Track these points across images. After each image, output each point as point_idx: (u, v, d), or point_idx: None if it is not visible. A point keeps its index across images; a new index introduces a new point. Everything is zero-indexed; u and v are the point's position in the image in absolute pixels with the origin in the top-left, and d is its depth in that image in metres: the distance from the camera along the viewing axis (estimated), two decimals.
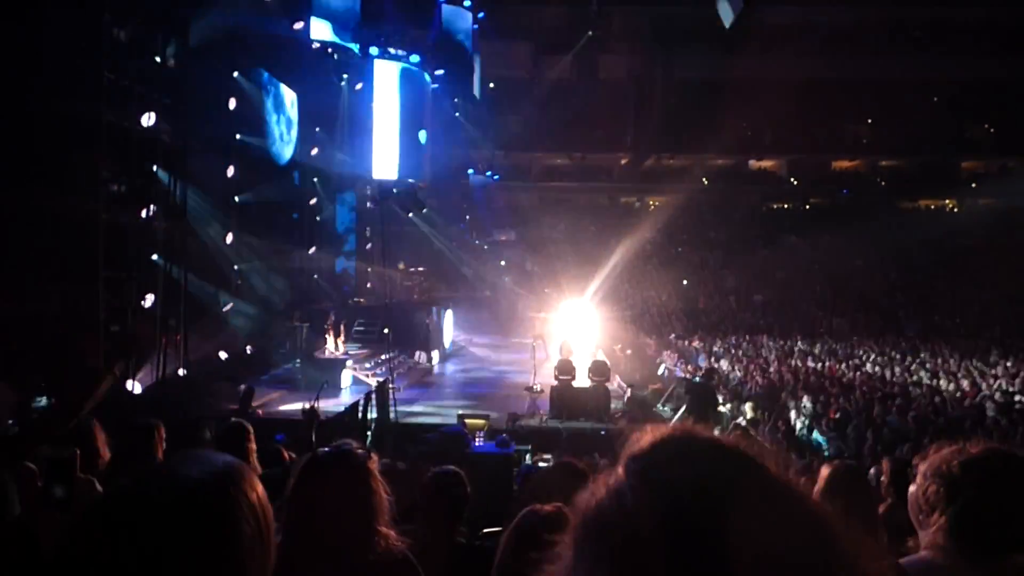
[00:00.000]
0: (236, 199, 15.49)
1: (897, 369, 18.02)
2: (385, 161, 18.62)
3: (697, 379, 12.03)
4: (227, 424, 3.90)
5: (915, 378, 16.76)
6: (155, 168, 12.37)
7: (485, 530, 3.37)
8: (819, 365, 18.50)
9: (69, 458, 2.44)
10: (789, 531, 0.66)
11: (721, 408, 13.04)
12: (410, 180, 19.36)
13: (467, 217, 30.37)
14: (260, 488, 0.95)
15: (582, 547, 0.72)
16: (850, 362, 18.90)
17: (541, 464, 8.01)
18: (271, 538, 0.94)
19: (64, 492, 2.37)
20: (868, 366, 18.49)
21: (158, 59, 12.64)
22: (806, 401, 13.60)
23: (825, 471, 3.07)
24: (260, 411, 11.43)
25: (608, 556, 0.68)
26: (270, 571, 0.94)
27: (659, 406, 14.26)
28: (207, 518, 0.85)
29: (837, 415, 12.74)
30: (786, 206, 37.57)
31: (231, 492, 0.89)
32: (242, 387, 12.64)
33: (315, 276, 20.50)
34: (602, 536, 0.70)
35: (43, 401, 9.87)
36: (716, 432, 0.81)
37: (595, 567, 0.69)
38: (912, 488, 1.67)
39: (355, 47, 17.09)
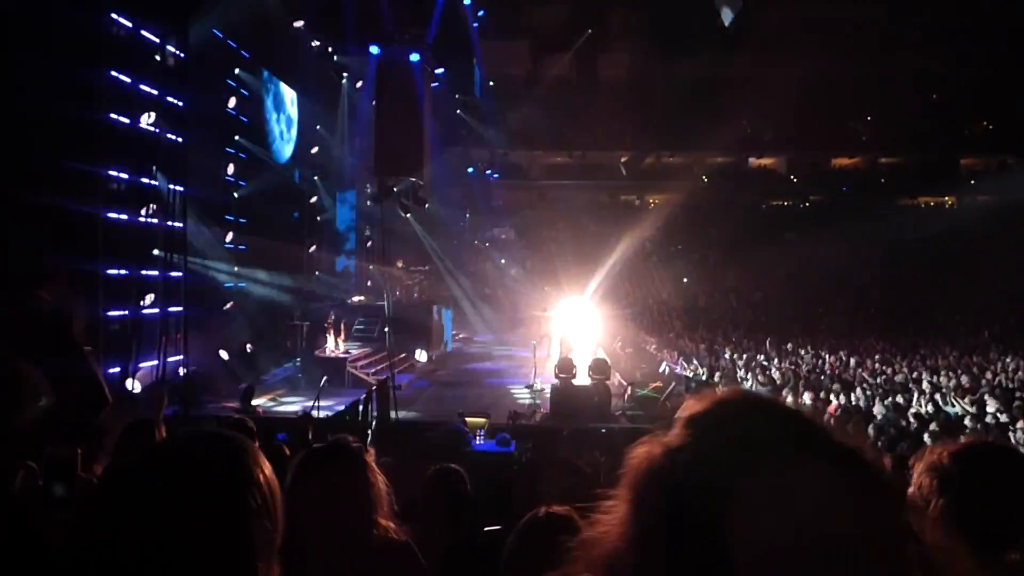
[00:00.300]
0: (236, 197, 15.50)
1: (897, 366, 18.02)
2: (385, 159, 18.61)
3: (697, 377, 12.04)
4: (230, 421, 3.88)
5: (915, 375, 16.76)
6: (155, 167, 12.37)
7: (486, 528, 3.38)
8: (819, 362, 18.51)
9: (70, 456, 2.44)
10: (830, 508, 0.65)
11: None
12: (411, 178, 19.36)
13: (467, 215, 30.38)
14: (267, 466, 0.95)
15: (629, 499, 0.73)
16: (850, 359, 18.91)
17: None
18: (278, 514, 0.95)
19: (64, 491, 2.36)
20: (868, 363, 18.49)
21: (158, 58, 12.63)
22: (806, 399, 13.61)
23: None
24: (260, 410, 11.43)
25: (643, 508, 0.70)
26: (277, 547, 0.95)
27: (662, 400, 14.28)
28: (212, 494, 0.86)
29: (837, 412, 12.75)
30: (786, 204, 37.58)
31: (236, 468, 0.90)
32: (242, 386, 12.66)
33: (315, 274, 20.51)
34: (645, 490, 0.72)
35: (42, 401, 9.86)
36: None
37: (635, 519, 0.71)
38: (910, 491, 1.66)
39: (356, 45, 17.10)
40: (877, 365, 18.12)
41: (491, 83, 28.57)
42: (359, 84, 19.82)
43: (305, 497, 1.89)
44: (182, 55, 13.09)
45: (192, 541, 0.82)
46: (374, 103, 18.89)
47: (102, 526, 0.83)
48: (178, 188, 13.02)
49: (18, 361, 2.43)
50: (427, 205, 21.75)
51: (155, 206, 12.40)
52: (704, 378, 12.00)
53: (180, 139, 12.97)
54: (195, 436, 0.95)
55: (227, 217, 15.09)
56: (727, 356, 19.48)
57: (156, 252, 12.45)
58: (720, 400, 0.76)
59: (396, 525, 1.99)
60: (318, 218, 20.90)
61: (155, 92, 12.32)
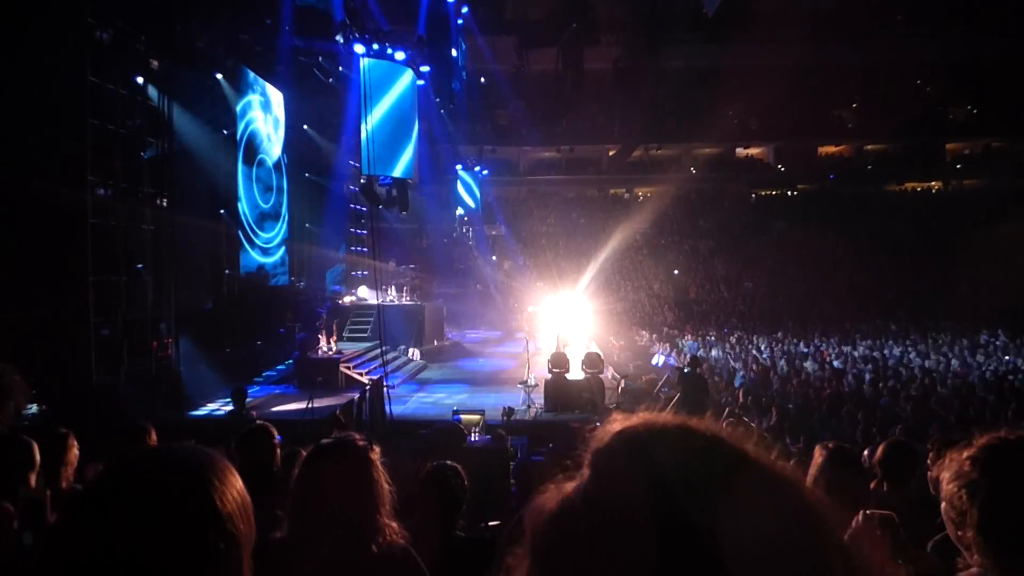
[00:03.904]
0: (224, 200, 15.42)
1: (888, 351, 18.15)
2: (374, 158, 18.58)
3: (686, 369, 12.08)
4: (251, 427, 3.81)
5: (906, 360, 16.88)
6: (142, 171, 12.31)
7: (483, 524, 3.39)
8: (811, 349, 18.61)
9: (40, 501, 2.41)
10: (776, 515, 0.64)
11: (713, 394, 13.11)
12: (399, 177, 19.32)
13: (457, 212, 30.36)
14: (238, 483, 0.93)
15: (549, 550, 0.68)
16: (841, 347, 19.02)
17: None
18: (249, 529, 0.92)
19: (32, 540, 2.32)
20: (859, 349, 18.61)
21: (143, 61, 12.54)
22: (796, 386, 13.68)
23: (819, 454, 3.09)
24: (254, 412, 11.40)
25: (585, 545, 0.66)
26: (246, 562, 0.92)
27: (656, 392, 14.32)
28: (180, 513, 0.84)
29: (830, 399, 12.83)
30: (774, 193, 37.72)
31: (206, 487, 0.87)
32: (235, 388, 12.62)
33: (305, 275, 20.45)
34: (578, 525, 0.67)
35: (33, 408, 9.81)
36: (705, 418, 0.78)
37: (570, 567, 0.66)
38: (943, 507, 1.57)
39: (341, 45, 17.01)
40: (868, 351, 18.24)
41: (482, 79, 28.52)
42: (345, 84, 19.73)
43: (312, 491, 1.91)
44: (167, 58, 13.01)
45: (160, 561, 0.81)
46: (361, 102, 18.83)
47: (67, 547, 0.82)
48: (165, 191, 12.97)
49: (6, 364, 2.42)
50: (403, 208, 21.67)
51: (143, 210, 12.34)
52: (691, 369, 12.03)
53: (166, 143, 12.91)
54: (158, 454, 0.92)
55: (215, 219, 15.02)
56: (719, 346, 19.59)
57: (145, 259, 12.39)
58: (619, 433, 0.72)
59: (397, 525, 2.00)
60: (308, 219, 20.83)
61: (140, 95, 12.25)
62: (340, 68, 18.95)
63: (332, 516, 1.88)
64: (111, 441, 3.95)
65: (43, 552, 0.87)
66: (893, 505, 2.59)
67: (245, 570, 0.91)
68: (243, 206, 16.09)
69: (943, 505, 1.55)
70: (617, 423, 0.75)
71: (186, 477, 0.88)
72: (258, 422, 3.90)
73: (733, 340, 20.50)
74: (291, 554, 1.89)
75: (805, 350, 18.68)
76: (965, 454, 1.52)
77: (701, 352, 18.04)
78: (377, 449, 2.04)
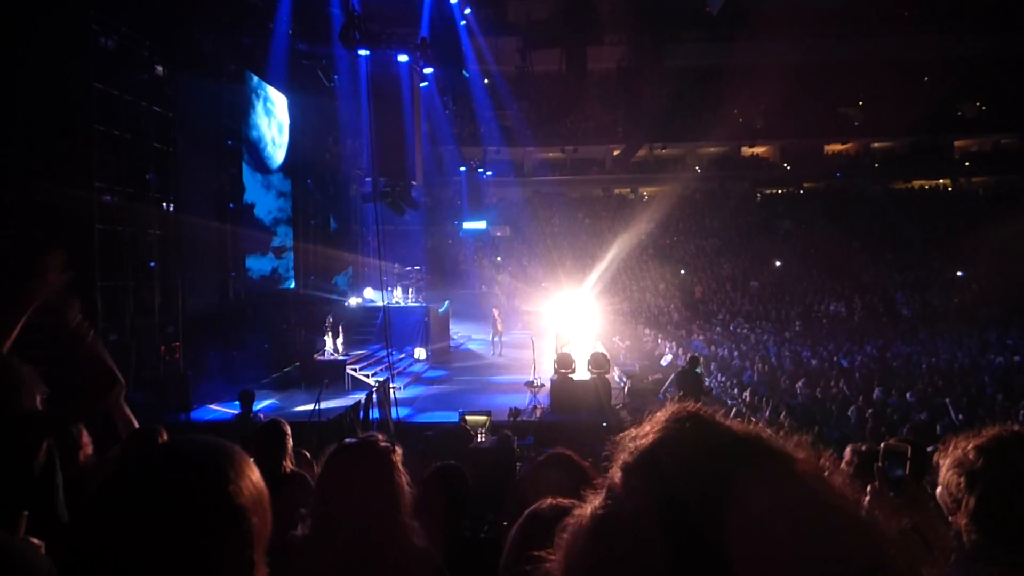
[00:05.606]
0: (231, 204, 15.47)
1: (896, 350, 18.06)
2: (378, 161, 18.61)
3: (691, 366, 12.07)
4: (265, 423, 3.90)
5: (914, 359, 16.80)
6: (148, 176, 12.36)
7: (488, 524, 3.38)
8: (818, 348, 18.54)
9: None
10: (799, 530, 0.61)
11: (711, 393, 13.09)
12: (403, 179, 19.34)
13: (462, 213, 30.37)
14: (255, 475, 0.94)
15: (585, 558, 0.69)
16: (848, 345, 18.94)
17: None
18: (264, 522, 0.93)
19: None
20: (867, 348, 18.51)
21: (147, 66, 12.59)
22: (804, 385, 13.63)
23: (849, 453, 3.09)
24: (261, 415, 11.42)
25: (614, 563, 0.65)
26: (259, 552, 0.92)
27: (662, 392, 14.31)
28: (192, 505, 0.85)
29: (838, 398, 12.79)
30: (780, 191, 37.60)
31: (221, 479, 0.88)
32: (242, 391, 12.66)
33: (311, 277, 20.49)
34: (604, 545, 0.67)
35: (36, 398, 9.85)
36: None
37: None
38: (939, 491, 1.59)
39: (344, 49, 17.05)
40: (875, 350, 18.15)
41: (485, 81, 28.53)
42: (348, 87, 19.77)
43: (334, 491, 1.93)
44: (171, 63, 13.06)
45: (165, 558, 0.82)
46: (364, 105, 18.88)
47: (82, 541, 0.83)
48: (172, 196, 13.02)
49: (12, 357, 2.43)
50: (417, 206, 21.72)
51: (149, 214, 12.39)
52: (687, 367, 12.01)
53: (172, 147, 12.95)
54: (184, 444, 0.93)
55: (221, 223, 15.07)
56: (726, 346, 19.52)
57: (151, 264, 12.44)
58: (662, 438, 0.71)
59: (417, 525, 2.01)
60: (312, 221, 20.87)
61: (145, 100, 12.30)
62: (344, 71, 18.99)
63: (353, 515, 1.89)
64: (124, 444, 3.96)
65: (63, 546, 0.89)
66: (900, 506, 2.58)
67: (259, 564, 0.91)
68: (249, 210, 16.15)
69: (939, 490, 1.56)
70: (640, 431, 0.74)
71: (201, 469, 0.88)
72: (271, 419, 3.97)
73: (740, 339, 20.44)
74: (311, 551, 1.90)
75: (812, 349, 18.60)
76: (971, 443, 1.54)
77: (707, 352, 18.00)
78: (399, 451, 2.05)
